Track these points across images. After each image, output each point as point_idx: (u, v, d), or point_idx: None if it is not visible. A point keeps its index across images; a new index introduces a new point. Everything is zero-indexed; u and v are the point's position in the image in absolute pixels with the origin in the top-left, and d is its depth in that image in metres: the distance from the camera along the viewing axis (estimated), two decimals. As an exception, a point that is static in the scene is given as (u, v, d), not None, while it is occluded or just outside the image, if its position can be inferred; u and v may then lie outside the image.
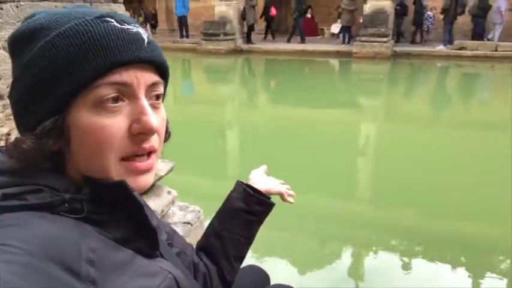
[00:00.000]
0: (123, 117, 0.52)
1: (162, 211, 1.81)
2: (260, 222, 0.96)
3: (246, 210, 0.93)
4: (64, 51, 0.49)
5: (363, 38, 11.93)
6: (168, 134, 0.65)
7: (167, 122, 0.63)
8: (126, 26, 0.52)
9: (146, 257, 0.57)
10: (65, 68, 0.49)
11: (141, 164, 0.55)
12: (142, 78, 0.53)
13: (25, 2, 1.26)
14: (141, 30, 0.54)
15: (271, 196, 1.00)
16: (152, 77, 0.55)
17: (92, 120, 0.50)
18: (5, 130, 1.20)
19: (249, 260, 2.04)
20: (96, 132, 0.50)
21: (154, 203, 1.78)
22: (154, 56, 0.55)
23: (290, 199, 1.05)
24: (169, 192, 1.91)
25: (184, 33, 15.14)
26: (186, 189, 2.75)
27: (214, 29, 13.53)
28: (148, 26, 16.08)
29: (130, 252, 0.55)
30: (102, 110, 0.51)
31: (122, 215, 0.56)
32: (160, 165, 1.86)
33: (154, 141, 0.56)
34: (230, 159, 4.66)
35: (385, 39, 11.76)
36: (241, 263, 0.95)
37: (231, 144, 5.19)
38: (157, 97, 0.57)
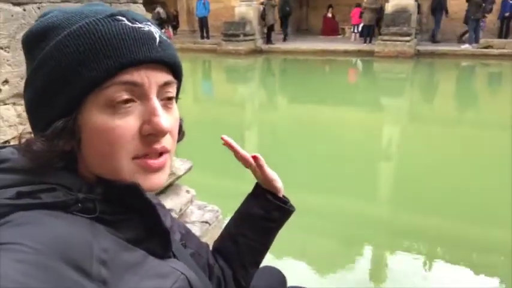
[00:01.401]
0: (134, 118, 0.51)
1: (181, 210, 1.82)
2: (278, 228, 0.91)
3: (264, 217, 0.87)
4: (74, 51, 0.48)
5: (385, 37, 11.77)
6: (182, 134, 0.64)
7: (181, 121, 0.62)
8: (138, 25, 0.51)
9: (158, 257, 0.56)
10: (75, 69, 0.48)
11: (153, 161, 0.53)
12: (153, 78, 0.52)
13: (46, 3, 1.28)
14: (153, 29, 0.53)
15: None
16: (164, 77, 0.53)
17: (103, 120, 0.50)
18: (28, 129, 1.22)
19: (265, 260, 2.03)
20: (107, 132, 0.50)
21: (172, 202, 1.78)
22: (166, 55, 0.53)
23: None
24: (187, 191, 1.91)
25: (204, 34, 15.27)
26: (205, 188, 2.75)
27: (235, 30, 13.60)
28: (170, 27, 16.26)
29: (143, 252, 0.54)
30: (113, 111, 0.50)
31: (135, 216, 0.55)
32: (178, 164, 1.86)
33: (166, 142, 0.54)
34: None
35: (407, 38, 11.58)
36: (257, 268, 0.91)
37: (250, 144, 5.19)
38: (170, 97, 0.56)
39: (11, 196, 0.46)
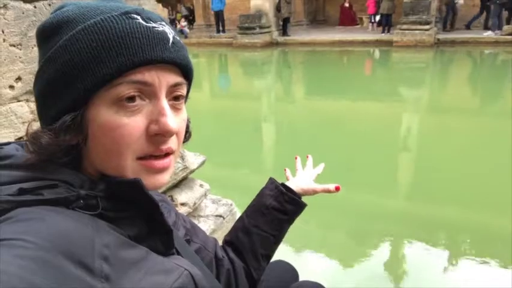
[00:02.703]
0: (142, 117, 0.51)
1: (194, 204, 1.82)
2: (290, 221, 0.94)
3: (277, 209, 0.91)
4: (88, 46, 0.49)
5: (404, 26, 11.53)
6: (188, 134, 0.64)
7: (189, 122, 0.63)
8: (152, 24, 0.51)
9: (161, 254, 0.56)
10: (87, 64, 0.48)
11: (157, 162, 0.54)
12: (164, 79, 0.52)
13: (57, 0, 1.29)
14: (167, 30, 0.53)
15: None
16: (175, 78, 0.54)
17: (111, 118, 0.50)
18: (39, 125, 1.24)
19: (280, 255, 2.02)
20: (114, 130, 0.50)
21: (186, 196, 1.79)
22: (178, 57, 0.53)
23: (332, 187, 0.99)
24: (201, 185, 1.91)
25: (220, 27, 15.27)
26: (219, 182, 2.76)
27: (250, 23, 13.57)
28: (186, 22, 16.36)
29: (145, 249, 0.54)
30: (121, 108, 0.50)
31: (137, 213, 0.55)
32: (192, 159, 1.86)
33: (172, 142, 0.55)
34: (265, 152, 4.65)
35: (427, 26, 11.31)
36: (268, 261, 0.93)
37: (266, 138, 5.17)
38: (180, 98, 0.56)
39: (13, 193, 0.47)
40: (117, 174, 0.52)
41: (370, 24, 14.42)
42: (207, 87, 8.86)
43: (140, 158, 0.53)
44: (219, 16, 15.22)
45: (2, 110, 1.19)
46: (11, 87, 1.21)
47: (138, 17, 0.51)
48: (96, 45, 0.48)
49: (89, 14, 0.50)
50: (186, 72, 0.56)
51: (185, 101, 0.59)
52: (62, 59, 0.49)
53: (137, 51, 0.49)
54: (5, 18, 1.16)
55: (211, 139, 4.66)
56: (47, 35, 0.52)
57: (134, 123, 0.50)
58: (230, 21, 15.60)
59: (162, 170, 0.54)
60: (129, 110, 0.50)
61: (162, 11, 16.21)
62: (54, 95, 0.51)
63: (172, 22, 16.75)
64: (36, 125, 0.55)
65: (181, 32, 15.45)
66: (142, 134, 0.51)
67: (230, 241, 0.92)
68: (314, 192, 0.99)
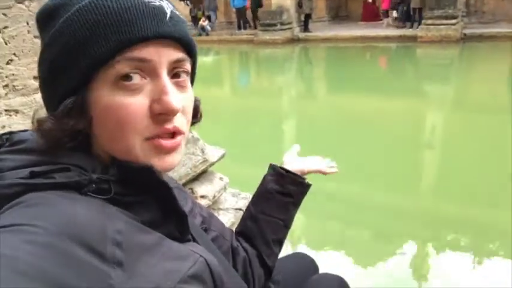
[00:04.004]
0: (144, 96, 0.50)
1: (214, 197, 1.82)
2: (296, 204, 0.93)
3: (280, 192, 0.91)
4: (83, 26, 0.48)
5: (429, 21, 11.24)
6: (200, 115, 0.62)
7: (198, 102, 0.61)
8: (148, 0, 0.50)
9: (177, 240, 0.55)
10: (83, 45, 0.48)
11: (166, 142, 0.52)
12: (164, 55, 0.50)
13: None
14: (164, 4, 0.51)
15: (306, 176, 0.97)
16: (175, 54, 0.52)
17: (112, 98, 0.49)
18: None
19: (301, 249, 2.00)
20: (117, 111, 0.49)
21: (206, 189, 1.79)
22: (177, 31, 0.51)
23: (332, 170, 0.99)
24: (221, 179, 1.91)
25: (242, 24, 15.30)
26: (239, 177, 2.75)
27: (271, 19, 13.53)
28: (206, 20, 16.44)
29: (159, 234, 0.52)
30: (121, 88, 0.49)
31: (150, 198, 0.54)
32: (211, 152, 1.86)
33: (178, 121, 0.52)
34: (285, 149, 4.62)
35: (453, 21, 11.00)
36: (280, 247, 0.91)
37: (287, 134, 5.15)
38: (183, 75, 0.54)
39: (24, 176, 0.46)
40: (126, 156, 0.51)
41: (385, 19, 14.17)
42: (228, 83, 8.89)
43: (148, 139, 0.51)
44: (240, 13, 15.24)
45: (27, 101, 1.22)
46: (35, 78, 1.23)
47: None
48: (90, 25, 0.47)
49: None
50: (188, 48, 0.54)
51: (192, 80, 0.58)
52: (59, 43, 0.49)
53: (133, 28, 0.48)
54: (29, 10, 1.19)
55: (232, 135, 4.68)
56: (44, 20, 0.52)
57: (136, 102, 0.49)
58: (251, 18, 15.59)
59: (171, 150, 0.52)
60: (130, 89, 0.49)
61: (183, 9, 16.32)
62: (55, 80, 0.50)
63: (194, 20, 16.84)
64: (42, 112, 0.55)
65: (203, 29, 15.55)
66: (146, 114, 0.50)
67: (240, 231, 0.91)
68: (302, 172, 0.96)
